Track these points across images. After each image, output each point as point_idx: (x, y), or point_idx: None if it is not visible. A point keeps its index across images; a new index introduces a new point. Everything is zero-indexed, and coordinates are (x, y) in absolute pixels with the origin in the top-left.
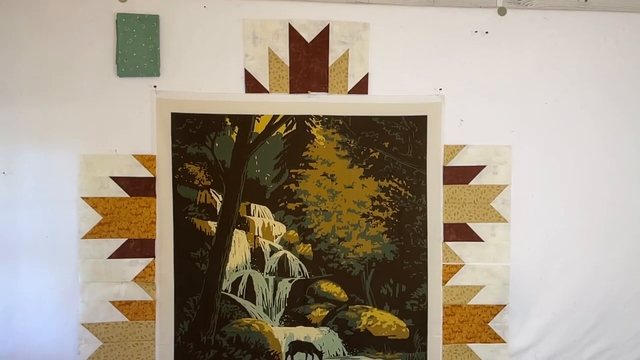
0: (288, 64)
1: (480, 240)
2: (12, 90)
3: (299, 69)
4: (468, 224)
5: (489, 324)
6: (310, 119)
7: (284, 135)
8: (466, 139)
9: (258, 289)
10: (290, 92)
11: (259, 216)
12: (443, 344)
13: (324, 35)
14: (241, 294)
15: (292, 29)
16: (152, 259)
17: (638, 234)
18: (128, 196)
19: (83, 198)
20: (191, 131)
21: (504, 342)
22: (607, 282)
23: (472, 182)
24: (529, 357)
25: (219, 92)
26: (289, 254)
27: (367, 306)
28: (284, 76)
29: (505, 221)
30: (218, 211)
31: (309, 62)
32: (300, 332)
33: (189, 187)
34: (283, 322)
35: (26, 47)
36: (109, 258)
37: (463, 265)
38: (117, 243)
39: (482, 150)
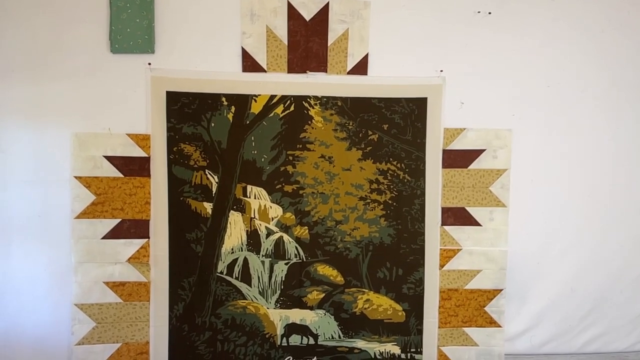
0: (286, 43)
1: (478, 224)
2: (2, 67)
3: (298, 48)
4: (466, 208)
5: (485, 308)
6: (308, 100)
7: (281, 115)
8: (466, 122)
9: (254, 271)
10: (288, 72)
11: (255, 198)
12: (439, 327)
13: (324, 13)
14: (237, 276)
15: (290, 7)
16: (146, 239)
17: (637, 221)
18: (122, 176)
19: (76, 177)
20: (187, 110)
21: (500, 326)
22: (604, 269)
23: (471, 166)
24: (524, 341)
25: (215, 71)
26: (286, 237)
27: (364, 289)
28: (282, 55)
29: (503, 206)
30: (214, 192)
31: (308, 41)
32: (296, 315)
33: (184, 167)
34: (279, 305)
35: (17, 23)
36: (102, 238)
37: (460, 249)
38: (111, 223)
39: (482, 134)
